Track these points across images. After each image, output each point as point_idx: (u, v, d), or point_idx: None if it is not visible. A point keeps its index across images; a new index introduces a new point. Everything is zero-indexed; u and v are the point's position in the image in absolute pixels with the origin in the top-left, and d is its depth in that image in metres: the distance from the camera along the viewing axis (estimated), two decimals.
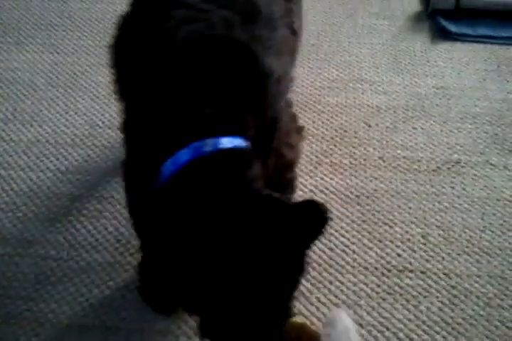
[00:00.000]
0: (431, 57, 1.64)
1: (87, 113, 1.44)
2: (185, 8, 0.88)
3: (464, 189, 1.28)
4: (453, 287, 1.09)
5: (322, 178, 1.29)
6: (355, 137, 1.39)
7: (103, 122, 1.41)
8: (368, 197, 1.24)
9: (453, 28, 1.71)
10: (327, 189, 1.26)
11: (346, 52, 1.65)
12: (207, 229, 0.73)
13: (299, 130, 1.08)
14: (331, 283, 1.08)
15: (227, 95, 0.82)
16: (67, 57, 1.61)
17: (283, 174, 1.00)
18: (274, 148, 0.92)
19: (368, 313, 1.04)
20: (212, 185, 0.76)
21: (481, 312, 1.05)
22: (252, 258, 0.73)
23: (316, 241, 0.78)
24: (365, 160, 1.34)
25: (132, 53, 0.91)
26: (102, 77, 1.50)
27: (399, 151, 1.36)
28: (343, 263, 1.12)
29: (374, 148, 1.36)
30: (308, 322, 0.95)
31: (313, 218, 0.75)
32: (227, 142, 0.79)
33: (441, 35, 1.71)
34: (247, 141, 0.82)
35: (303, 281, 0.88)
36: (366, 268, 1.11)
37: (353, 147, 1.37)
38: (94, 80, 1.53)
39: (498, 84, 1.56)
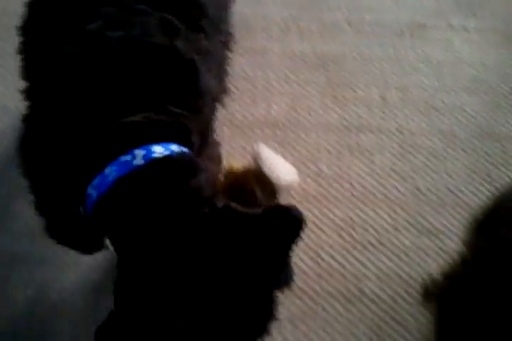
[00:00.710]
0: None
1: None
2: (117, 7, 0.72)
3: (424, 52, 1.36)
4: (405, 143, 1.22)
5: (290, 44, 1.35)
6: (324, 1, 1.43)
7: None
8: (333, 62, 1.32)
9: None
10: (295, 54, 1.33)
11: None
12: (156, 263, 0.59)
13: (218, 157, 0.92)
14: (295, 141, 1.21)
15: (160, 106, 0.68)
16: None
17: None
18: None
19: (328, 167, 1.18)
20: (150, 205, 0.61)
21: (428, 164, 1.20)
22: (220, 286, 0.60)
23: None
24: (332, 25, 1.39)
25: (45, 54, 0.74)
26: None
27: (366, 15, 1.41)
28: (306, 123, 1.23)
29: (342, 13, 1.41)
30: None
31: (285, 227, 0.65)
32: (160, 150, 0.65)
33: None
34: (186, 146, 0.68)
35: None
36: (328, 128, 1.23)
37: (321, 12, 1.41)
38: None
39: None
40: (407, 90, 1.29)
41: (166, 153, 0.64)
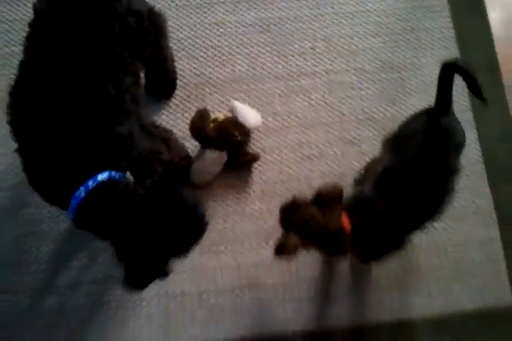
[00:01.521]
0: None
1: None
2: None
3: (340, 6, 1.82)
4: (331, 81, 1.74)
5: (241, 15, 1.81)
6: None
7: None
8: (275, 25, 1.79)
9: None
10: (246, 23, 1.79)
11: None
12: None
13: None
14: (255, 90, 1.73)
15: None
16: None
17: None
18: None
19: (281, 106, 1.71)
20: (108, 200, 1.11)
21: (349, 94, 1.73)
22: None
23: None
24: None
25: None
26: None
27: None
28: (262, 76, 1.74)
29: None
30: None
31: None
32: (103, 176, 1.13)
33: None
34: (120, 171, 1.17)
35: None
36: (277, 77, 1.74)
37: None
38: None
39: None
40: (330, 40, 1.78)
41: (106, 177, 1.13)
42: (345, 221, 1.26)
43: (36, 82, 1.14)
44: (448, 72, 1.26)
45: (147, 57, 1.32)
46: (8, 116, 1.17)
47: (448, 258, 1.62)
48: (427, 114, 1.32)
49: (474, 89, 1.24)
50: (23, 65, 1.18)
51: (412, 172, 1.27)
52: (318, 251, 1.34)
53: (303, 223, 1.24)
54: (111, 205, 1.10)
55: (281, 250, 1.22)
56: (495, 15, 1.83)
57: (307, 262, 1.57)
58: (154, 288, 1.53)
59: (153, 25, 1.30)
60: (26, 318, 1.52)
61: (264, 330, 1.53)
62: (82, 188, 1.09)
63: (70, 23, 1.12)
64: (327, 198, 1.27)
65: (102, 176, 1.12)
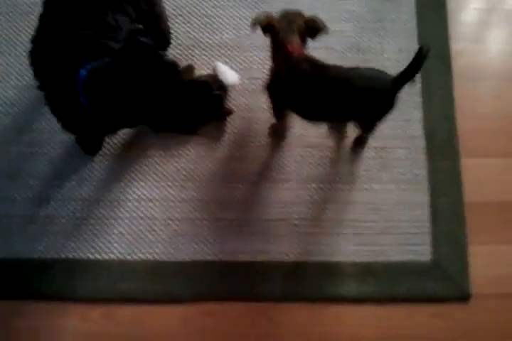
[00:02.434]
0: None
1: None
2: None
3: None
4: None
5: None
6: None
7: None
8: (262, 3, 2.07)
9: None
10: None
11: None
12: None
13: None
14: (238, 56, 2.00)
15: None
16: None
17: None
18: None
19: (257, 72, 1.99)
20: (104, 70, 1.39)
21: None
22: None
23: None
24: None
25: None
26: None
27: None
28: (244, 44, 2.02)
29: None
30: None
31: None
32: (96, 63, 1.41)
33: None
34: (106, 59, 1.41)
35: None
36: (257, 47, 2.02)
37: None
38: None
39: None
40: None
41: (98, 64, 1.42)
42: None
43: (52, 27, 1.45)
44: (420, 53, 1.47)
45: (143, 13, 1.62)
46: (30, 59, 1.47)
47: (381, 215, 1.89)
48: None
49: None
50: (42, 17, 1.50)
51: None
52: None
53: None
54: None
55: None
56: (454, 14, 2.12)
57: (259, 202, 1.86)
58: (127, 212, 1.82)
59: None
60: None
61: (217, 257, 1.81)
62: (81, 70, 1.39)
63: None
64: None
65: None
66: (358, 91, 1.52)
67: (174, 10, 2.02)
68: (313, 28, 1.65)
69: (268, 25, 1.62)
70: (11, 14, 2.03)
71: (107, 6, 1.44)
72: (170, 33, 1.95)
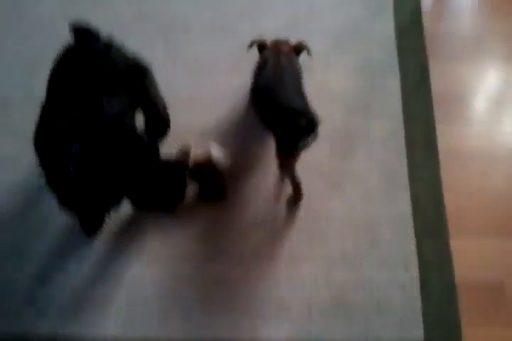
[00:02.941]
0: None
1: None
2: None
3: (310, 82, 2.25)
4: None
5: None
6: None
7: None
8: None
9: None
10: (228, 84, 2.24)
11: None
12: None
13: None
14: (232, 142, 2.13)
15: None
16: None
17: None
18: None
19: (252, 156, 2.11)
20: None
21: None
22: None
23: None
24: None
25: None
26: None
27: None
28: (239, 131, 2.15)
29: None
30: None
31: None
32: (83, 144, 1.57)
33: None
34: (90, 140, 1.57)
35: None
36: (253, 135, 2.15)
37: None
38: None
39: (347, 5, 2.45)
40: None
41: None
42: None
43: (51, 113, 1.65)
44: None
45: (142, 102, 1.78)
46: (33, 141, 1.65)
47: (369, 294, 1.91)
48: None
49: None
50: (43, 106, 1.69)
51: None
52: None
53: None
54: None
55: None
56: (438, 97, 2.25)
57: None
58: (124, 290, 1.90)
59: (139, 73, 1.81)
60: None
61: None
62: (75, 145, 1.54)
63: (75, 73, 1.67)
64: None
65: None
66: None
67: (174, 95, 2.18)
68: (298, 48, 2.02)
69: (262, 45, 2.02)
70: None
71: (103, 92, 1.62)
72: (169, 119, 2.10)
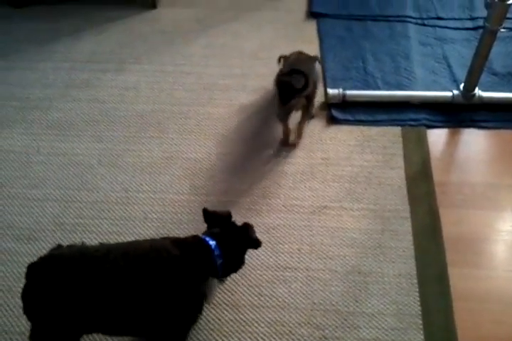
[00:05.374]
0: (323, 137, 2.73)
1: (129, 184, 2.55)
2: None
3: (325, 224, 2.36)
4: (309, 276, 2.19)
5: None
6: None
7: (140, 189, 2.52)
8: (273, 229, 2.34)
9: (339, 115, 2.78)
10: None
11: None
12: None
13: None
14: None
15: None
16: (108, 144, 2.72)
17: None
18: None
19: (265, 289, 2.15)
20: None
21: (316, 289, 2.16)
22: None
23: None
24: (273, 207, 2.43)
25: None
26: (131, 158, 2.61)
27: (294, 201, 2.45)
28: (253, 265, 2.22)
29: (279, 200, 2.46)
30: None
31: None
32: None
33: (332, 121, 2.80)
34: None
35: None
36: (267, 267, 2.21)
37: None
38: (126, 160, 2.64)
39: (359, 154, 2.65)
40: (313, 245, 2.28)
41: None
42: None
43: None
44: None
45: None
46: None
47: None
48: None
49: None
50: None
51: None
52: None
53: None
54: None
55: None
56: (450, 241, 2.31)
57: None
58: None
59: None
60: None
61: None
62: None
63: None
64: None
65: None
66: None
67: None
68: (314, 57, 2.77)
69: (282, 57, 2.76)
70: None
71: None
72: None
